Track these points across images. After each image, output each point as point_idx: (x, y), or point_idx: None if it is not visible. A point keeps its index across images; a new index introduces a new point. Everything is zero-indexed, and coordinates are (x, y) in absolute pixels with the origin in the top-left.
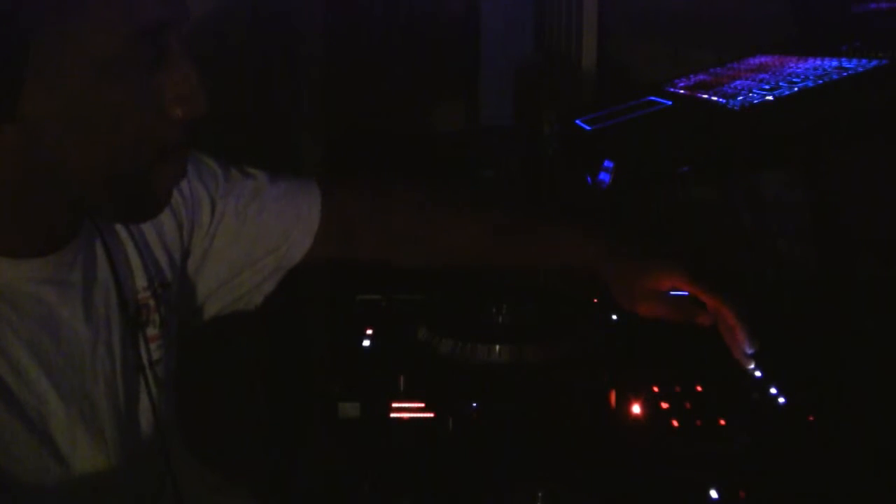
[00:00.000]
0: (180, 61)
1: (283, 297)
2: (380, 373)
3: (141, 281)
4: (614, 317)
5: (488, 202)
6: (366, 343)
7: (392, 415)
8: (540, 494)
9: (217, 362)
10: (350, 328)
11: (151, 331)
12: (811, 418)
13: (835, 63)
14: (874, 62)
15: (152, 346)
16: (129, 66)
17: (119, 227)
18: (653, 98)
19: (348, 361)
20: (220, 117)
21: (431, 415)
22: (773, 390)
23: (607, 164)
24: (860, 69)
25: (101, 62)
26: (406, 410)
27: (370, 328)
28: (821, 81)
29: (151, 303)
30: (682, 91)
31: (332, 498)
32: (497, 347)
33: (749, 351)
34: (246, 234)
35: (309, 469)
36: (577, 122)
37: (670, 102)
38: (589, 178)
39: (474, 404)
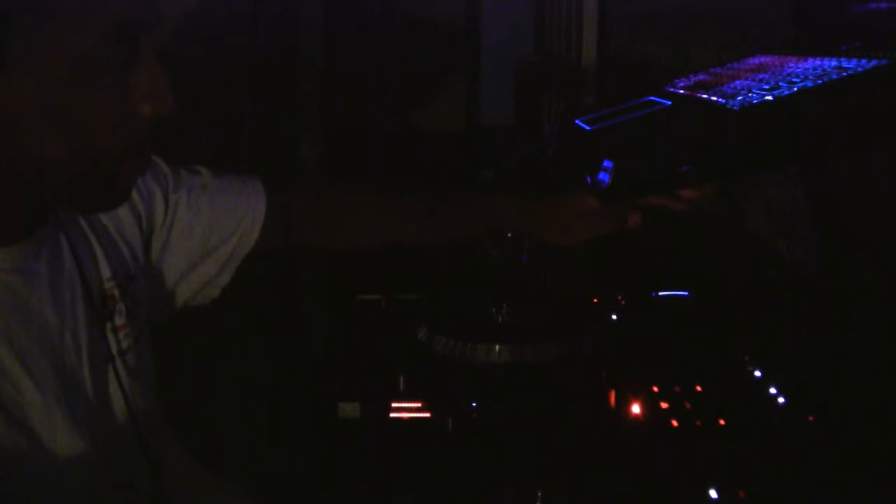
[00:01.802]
0: (150, 61)
1: (283, 297)
2: (380, 373)
3: (105, 272)
4: (614, 317)
5: (413, 184)
6: (366, 343)
7: (392, 415)
8: (540, 494)
9: (217, 362)
10: (350, 328)
11: (118, 320)
12: (811, 418)
13: (835, 63)
14: (874, 62)
15: (120, 335)
16: (102, 64)
17: (81, 220)
18: (653, 98)
19: (348, 361)
20: (220, 118)
21: (431, 415)
22: (773, 390)
23: (607, 164)
24: (860, 69)
25: (74, 60)
26: (406, 410)
27: (370, 328)
28: (820, 81)
29: (116, 293)
30: (682, 91)
31: (332, 498)
32: (497, 347)
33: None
34: (200, 224)
35: (309, 469)
36: (577, 122)
37: (670, 102)
38: (589, 178)
39: (474, 404)
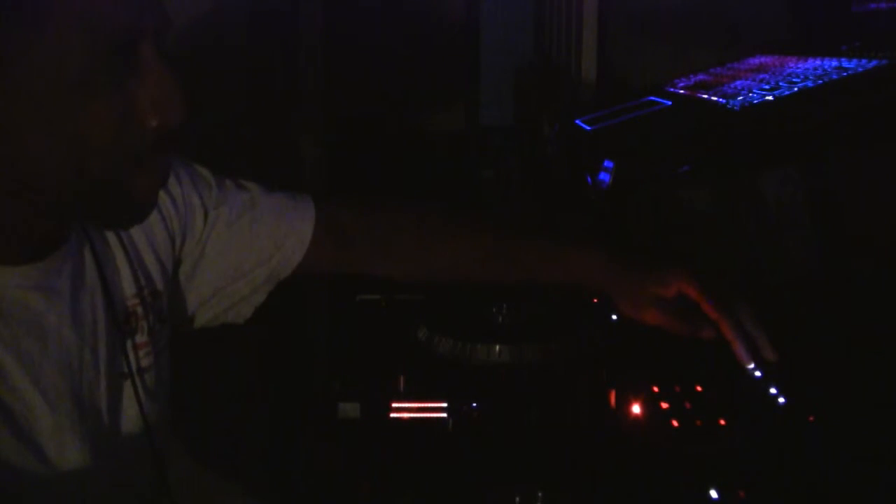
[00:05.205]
0: (155, 70)
1: (284, 297)
2: (380, 373)
3: (130, 288)
4: (614, 317)
5: (486, 217)
6: (366, 343)
7: (392, 415)
8: (540, 494)
9: (217, 363)
10: (350, 328)
11: (140, 338)
12: (811, 418)
13: (835, 63)
14: (874, 62)
15: (140, 353)
16: (102, 78)
17: (109, 235)
18: (653, 98)
19: (348, 361)
20: (220, 118)
21: (431, 415)
22: (773, 390)
23: (607, 164)
24: (860, 69)
25: (73, 76)
26: (406, 410)
27: (370, 328)
28: (821, 81)
29: (139, 310)
30: (682, 91)
31: (332, 498)
32: (497, 347)
33: (748, 366)
34: (237, 244)
35: (309, 469)
36: (577, 122)
37: (670, 102)
38: (589, 178)
39: (474, 404)
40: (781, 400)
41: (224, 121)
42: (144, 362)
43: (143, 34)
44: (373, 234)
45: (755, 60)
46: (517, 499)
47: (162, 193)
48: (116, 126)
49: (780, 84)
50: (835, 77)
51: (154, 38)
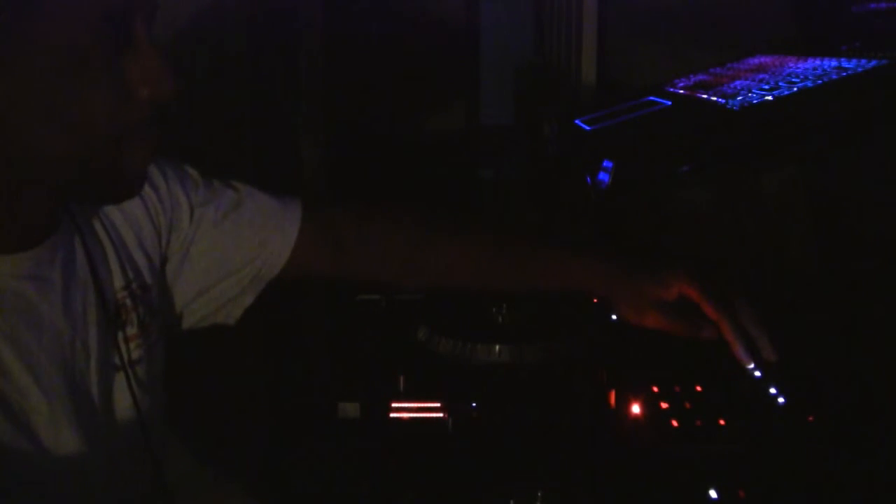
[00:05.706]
0: (145, 44)
1: (284, 297)
2: (380, 373)
3: (118, 281)
4: (614, 317)
5: (485, 223)
6: (366, 343)
7: (392, 415)
8: (540, 494)
9: (217, 362)
10: (350, 328)
11: (130, 330)
12: (811, 418)
13: (834, 63)
14: (874, 62)
15: (131, 345)
16: (93, 51)
17: (98, 227)
18: (653, 98)
19: (348, 361)
20: (221, 119)
21: (431, 415)
22: (773, 390)
23: (607, 164)
24: (860, 69)
25: (64, 49)
26: (406, 410)
27: (370, 328)
28: (820, 81)
29: (129, 302)
30: (682, 91)
31: (332, 498)
32: (497, 347)
33: (748, 366)
34: (223, 243)
35: (309, 469)
36: (577, 122)
37: (670, 102)
38: (589, 178)
39: (474, 404)
40: (781, 400)
41: (224, 121)
42: (135, 354)
43: (135, 8)
44: (369, 237)
45: (755, 60)
46: (517, 499)
47: (148, 189)
48: (112, 104)
49: (780, 84)
50: (835, 77)
51: (145, 15)
